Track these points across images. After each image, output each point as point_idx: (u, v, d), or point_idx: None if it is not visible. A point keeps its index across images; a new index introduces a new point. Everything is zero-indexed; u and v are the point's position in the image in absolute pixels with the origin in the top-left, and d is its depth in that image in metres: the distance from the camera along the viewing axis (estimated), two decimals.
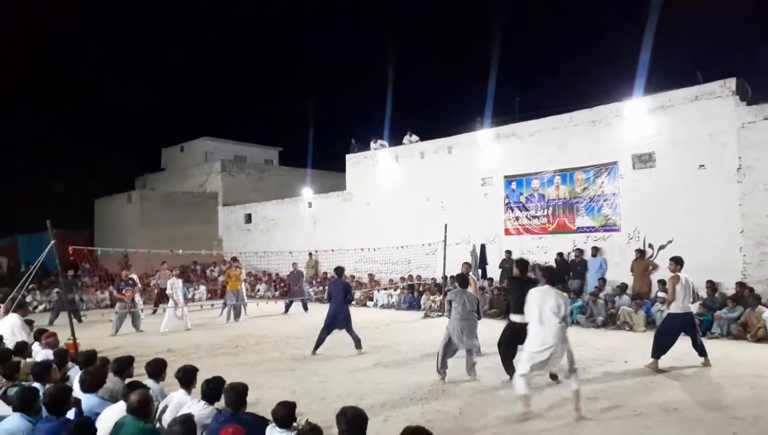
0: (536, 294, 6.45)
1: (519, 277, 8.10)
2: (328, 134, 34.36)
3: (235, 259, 15.95)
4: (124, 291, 13.69)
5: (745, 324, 10.96)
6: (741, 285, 12.09)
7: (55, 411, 4.27)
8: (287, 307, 17.18)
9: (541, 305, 6.30)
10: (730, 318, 11.19)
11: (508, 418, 6.31)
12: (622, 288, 13.54)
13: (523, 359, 6.42)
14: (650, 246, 14.03)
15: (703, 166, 13.30)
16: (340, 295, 10.56)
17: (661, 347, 8.42)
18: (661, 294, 12.51)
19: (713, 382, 7.68)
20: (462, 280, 8.65)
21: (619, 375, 8.18)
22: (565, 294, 6.55)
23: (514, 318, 7.60)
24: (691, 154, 13.44)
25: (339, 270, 11.24)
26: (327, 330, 10.49)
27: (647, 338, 11.20)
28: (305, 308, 16.88)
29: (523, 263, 8.26)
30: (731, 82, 12.98)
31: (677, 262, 8.55)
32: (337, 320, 10.48)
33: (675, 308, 8.48)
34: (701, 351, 8.55)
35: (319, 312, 16.74)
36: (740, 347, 10.09)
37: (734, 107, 12.86)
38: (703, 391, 7.23)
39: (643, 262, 13.75)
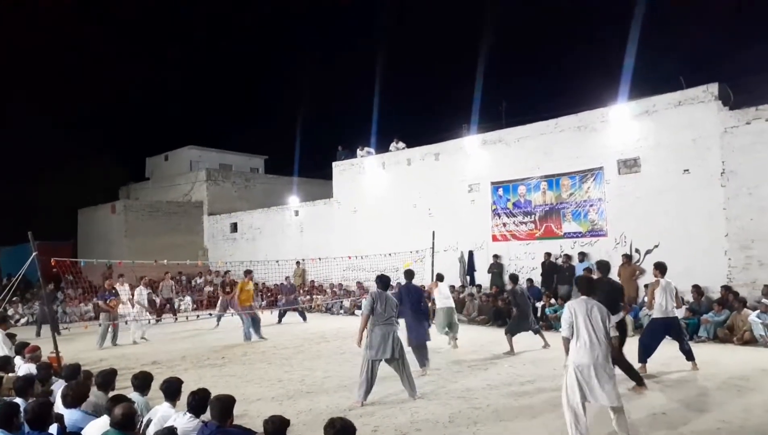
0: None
1: (601, 279, 7.80)
2: (314, 142, 34.34)
3: (248, 271, 14.75)
4: (108, 301, 13.47)
5: (732, 327, 11.05)
6: (726, 288, 12.18)
7: (37, 426, 4.17)
8: (281, 316, 17.02)
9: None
10: (717, 321, 11.27)
11: (504, 428, 6.27)
12: None
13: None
14: (637, 251, 14.10)
15: (687, 170, 13.41)
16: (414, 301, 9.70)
17: (645, 351, 8.51)
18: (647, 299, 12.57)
19: (700, 386, 7.70)
20: (382, 281, 7.84)
21: None
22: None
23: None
24: (676, 158, 13.56)
25: (409, 273, 10.00)
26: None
27: (635, 343, 11.27)
28: (303, 318, 16.78)
29: (605, 265, 8.02)
30: (714, 87, 13.13)
31: (657, 268, 8.68)
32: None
33: (657, 313, 8.55)
34: (689, 355, 8.60)
35: (312, 320, 16.80)
36: (727, 350, 10.15)
37: (717, 112, 13.00)
38: (690, 395, 7.24)
39: (630, 267, 13.78)
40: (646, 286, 12.85)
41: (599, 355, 5.37)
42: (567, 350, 5.56)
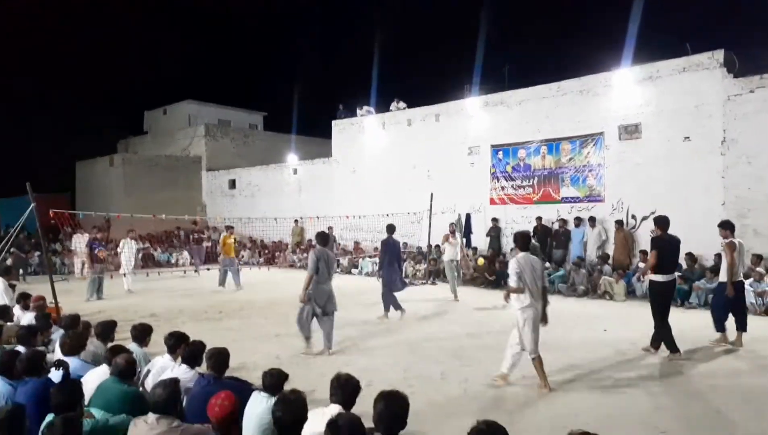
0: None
1: (662, 236, 7.74)
2: (314, 100, 33.80)
3: (229, 227, 15.98)
4: (97, 251, 13.42)
5: None
6: (720, 256, 12.25)
7: (31, 374, 4.25)
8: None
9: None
10: (708, 289, 11.39)
11: (487, 384, 6.42)
12: (603, 258, 13.72)
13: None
14: (633, 217, 14.17)
15: (688, 138, 13.36)
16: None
17: (724, 320, 8.27)
18: (642, 265, 12.71)
19: (685, 351, 7.76)
20: (322, 238, 8.23)
21: (599, 344, 8.33)
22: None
23: (659, 278, 7.58)
24: (677, 125, 13.48)
25: (391, 228, 10.81)
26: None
27: (627, 308, 11.45)
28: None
29: (664, 220, 7.80)
30: (719, 54, 12.96)
31: (728, 228, 8.34)
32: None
33: (736, 277, 8.19)
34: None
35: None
36: None
37: (721, 79, 12.87)
38: (681, 357, 7.38)
39: (622, 233, 13.89)
40: (640, 251, 13.07)
41: (538, 306, 6.13)
42: (511, 292, 6.17)
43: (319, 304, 7.85)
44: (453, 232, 12.99)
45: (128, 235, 14.97)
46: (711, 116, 12.98)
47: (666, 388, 6.26)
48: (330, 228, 17.15)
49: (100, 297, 13.32)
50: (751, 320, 10.02)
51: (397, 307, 10.26)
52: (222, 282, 15.08)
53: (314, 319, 7.98)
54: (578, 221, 14.91)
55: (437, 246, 17.28)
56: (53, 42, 39.93)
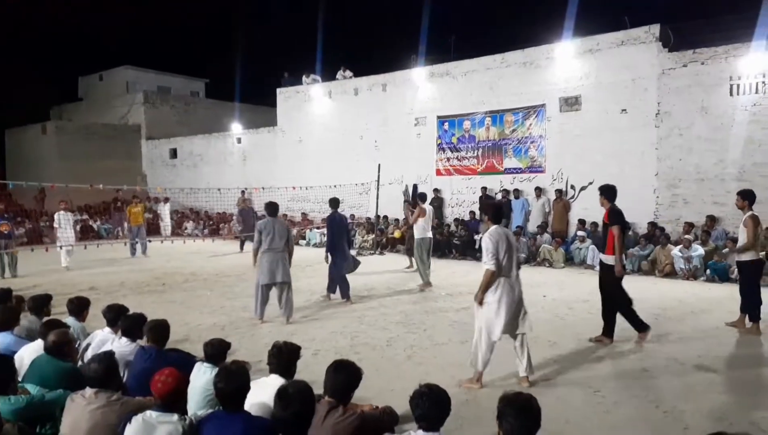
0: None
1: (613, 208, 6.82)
2: (258, 67, 32.97)
3: (135, 196, 16.63)
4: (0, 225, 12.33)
5: (654, 261, 11.80)
6: (653, 225, 12.90)
7: None
8: (242, 244, 16.69)
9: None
10: (641, 255, 12.00)
11: (438, 351, 6.59)
12: (543, 227, 14.17)
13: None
14: (572, 187, 14.63)
15: (625, 110, 13.81)
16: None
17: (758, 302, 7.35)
18: (580, 233, 13.20)
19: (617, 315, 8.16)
20: (271, 208, 8.12)
21: (539, 309, 8.64)
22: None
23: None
24: (615, 98, 13.91)
25: (334, 202, 9.76)
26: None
27: (565, 274, 11.92)
28: (242, 248, 16.59)
29: (611, 190, 6.90)
30: (655, 29, 13.37)
31: (746, 197, 7.27)
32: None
33: (757, 254, 7.34)
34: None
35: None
36: (648, 282, 10.86)
37: (656, 53, 13.31)
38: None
39: (561, 202, 14.36)
40: (579, 220, 13.54)
41: (519, 289, 5.31)
42: (487, 286, 5.15)
43: (266, 275, 7.81)
44: (424, 201, 10.95)
45: (61, 207, 14.14)
46: (646, 89, 13.45)
47: (595, 348, 6.59)
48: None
49: (14, 274, 12.28)
50: (680, 284, 10.69)
51: (345, 295, 9.29)
52: (133, 252, 15.58)
53: (272, 289, 7.96)
54: (517, 193, 15.24)
55: (385, 217, 17.39)
56: None
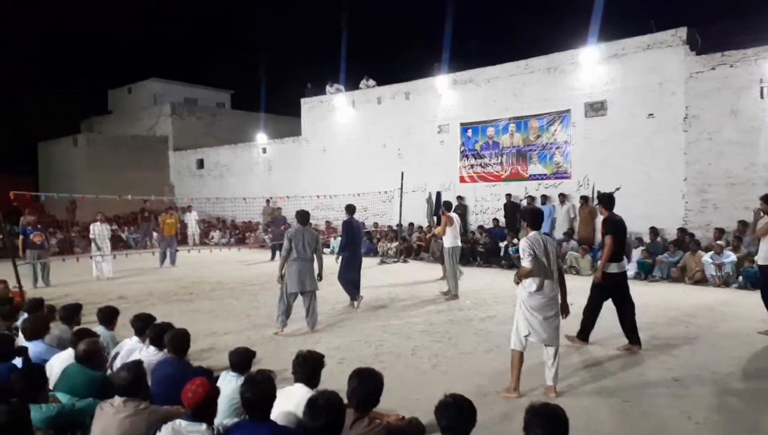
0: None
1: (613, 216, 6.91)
2: (282, 77, 33.42)
3: (171, 207, 16.77)
4: (33, 237, 12.64)
5: (684, 268, 11.55)
6: (682, 231, 12.65)
7: (1, 357, 4.20)
8: (273, 252, 16.54)
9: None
10: (670, 262, 11.76)
11: (463, 360, 6.54)
12: (569, 234, 13.99)
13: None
14: (599, 193, 14.40)
15: (652, 114, 13.60)
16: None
17: None
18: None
19: (647, 323, 7.86)
20: (302, 216, 8.19)
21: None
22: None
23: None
24: (641, 102, 13.72)
25: (350, 208, 10.23)
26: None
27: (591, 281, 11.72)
28: (273, 257, 16.52)
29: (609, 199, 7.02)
30: (682, 32, 13.17)
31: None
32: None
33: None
34: None
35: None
36: (678, 289, 10.63)
37: (684, 57, 13.10)
38: (641, 330, 7.58)
39: (587, 208, 14.16)
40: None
41: (551, 294, 5.29)
42: (520, 281, 5.30)
43: (295, 283, 7.79)
44: (450, 209, 11.05)
45: (98, 218, 14.30)
46: (674, 93, 13.23)
47: (629, 358, 6.46)
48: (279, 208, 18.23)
49: (47, 283, 12.56)
50: (711, 291, 10.44)
51: (353, 295, 9.59)
52: (162, 262, 15.63)
53: (298, 298, 7.96)
54: (544, 199, 15.11)
55: (410, 224, 17.37)
56: (11, 19, 38.41)
